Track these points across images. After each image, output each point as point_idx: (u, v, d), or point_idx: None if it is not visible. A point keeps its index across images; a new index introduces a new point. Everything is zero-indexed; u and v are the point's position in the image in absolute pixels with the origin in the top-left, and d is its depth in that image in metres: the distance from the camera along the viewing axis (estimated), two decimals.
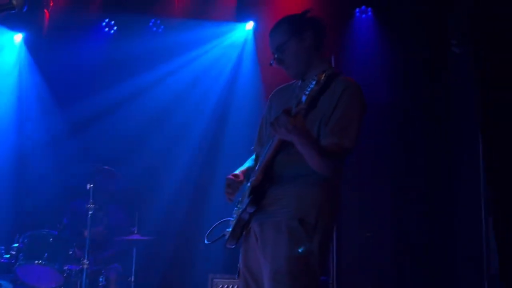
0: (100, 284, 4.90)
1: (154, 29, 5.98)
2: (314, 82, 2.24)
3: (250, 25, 5.90)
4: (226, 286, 4.71)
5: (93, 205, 4.72)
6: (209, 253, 5.33)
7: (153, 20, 5.93)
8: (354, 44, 5.56)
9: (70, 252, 4.81)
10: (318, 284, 2.45)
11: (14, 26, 6.04)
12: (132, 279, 4.92)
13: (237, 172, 2.71)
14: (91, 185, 4.73)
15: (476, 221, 4.23)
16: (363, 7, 5.55)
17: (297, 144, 2.35)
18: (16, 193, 5.83)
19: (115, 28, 6.08)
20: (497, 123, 4.26)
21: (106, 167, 4.97)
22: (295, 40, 2.59)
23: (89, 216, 4.70)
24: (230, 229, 2.59)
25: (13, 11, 2.20)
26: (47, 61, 6.05)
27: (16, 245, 4.78)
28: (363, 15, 5.59)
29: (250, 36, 5.91)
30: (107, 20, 6.04)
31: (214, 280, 4.76)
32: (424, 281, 5.05)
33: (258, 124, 2.82)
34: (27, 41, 6.17)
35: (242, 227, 2.57)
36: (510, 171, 4.18)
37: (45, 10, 5.89)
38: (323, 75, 2.27)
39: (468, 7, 4.73)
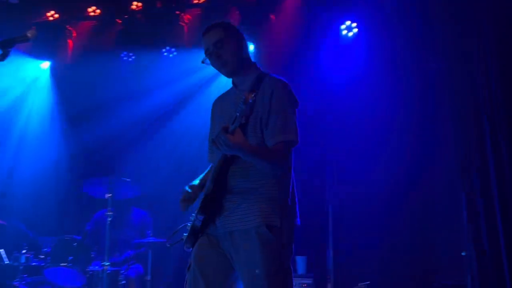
0: (120, 283, 4.91)
1: (167, 54, 6.06)
2: (241, 103, 2.27)
3: (251, 47, 5.79)
4: None
5: (111, 213, 4.76)
6: None
7: (167, 48, 6.02)
8: (340, 60, 5.47)
9: (92, 255, 4.88)
10: (291, 278, 2.46)
11: (41, 55, 6.31)
12: (149, 278, 4.94)
13: (196, 182, 2.67)
14: (110, 195, 4.80)
15: None
16: (349, 24, 5.49)
17: (242, 157, 2.35)
18: (44, 203, 5.95)
19: (133, 57, 6.20)
20: None
21: (123, 178, 4.98)
22: (233, 38, 2.53)
23: (108, 222, 4.73)
24: (186, 234, 2.56)
25: (28, 42, 2.39)
26: (70, 86, 6.25)
27: (45, 250, 4.89)
28: (349, 32, 5.51)
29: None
30: (124, 50, 6.16)
31: None
32: (414, 275, 4.97)
33: None
34: (53, 68, 6.40)
35: (196, 232, 2.50)
36: None
37: (69, 40, 6.11)
38: (251, 94, 2.27)
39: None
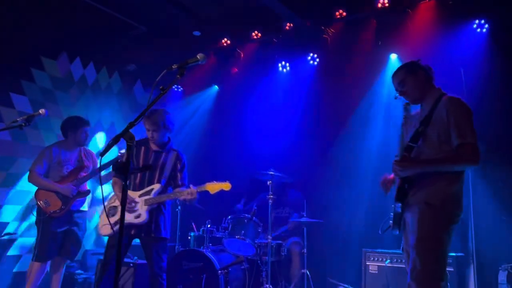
0: (282, 253, 5.37)
1: (312, 63, 6.55)
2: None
3: (394, 56, 5.90)
4: (375, 258, 5.01)
5: (272, 196, 5.12)
6: (362, 233, 5.56)
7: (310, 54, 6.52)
8: (477, 58, 5.30)
9: (259, 230, 5.23)
10: (444, 246, 2.70)
11: (213, 80, 7.30)
12: (305, 251, 5.31)
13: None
14: (270, 182, 5.21)
15: None
16: (479, 21, 5.31)
17: (419, 172, 2.82)
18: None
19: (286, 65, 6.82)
20: None
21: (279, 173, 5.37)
22: (411, 76, 3.02)
23: (270, 204, 5.11)
24: (391, 221, 3.00)
25: (198, 63, 2.63)
26: (234, 96, 7.06)
27: (224, 225, 5.39)
28: (480, 30, 5.33)
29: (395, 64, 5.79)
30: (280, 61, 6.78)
31: (366, 253, 5.10)
32: None
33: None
34: (220, 87, 7.38)
35: (398, 218, 2.93)
36: None
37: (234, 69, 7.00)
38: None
39: None
